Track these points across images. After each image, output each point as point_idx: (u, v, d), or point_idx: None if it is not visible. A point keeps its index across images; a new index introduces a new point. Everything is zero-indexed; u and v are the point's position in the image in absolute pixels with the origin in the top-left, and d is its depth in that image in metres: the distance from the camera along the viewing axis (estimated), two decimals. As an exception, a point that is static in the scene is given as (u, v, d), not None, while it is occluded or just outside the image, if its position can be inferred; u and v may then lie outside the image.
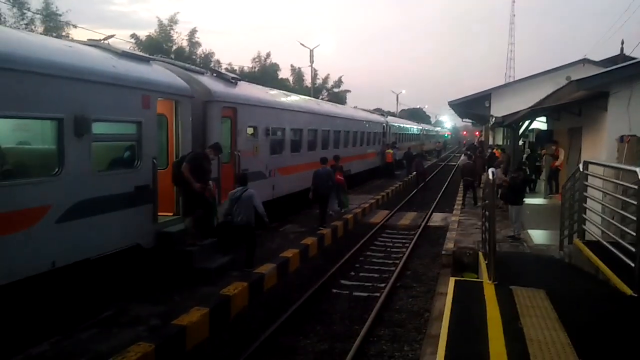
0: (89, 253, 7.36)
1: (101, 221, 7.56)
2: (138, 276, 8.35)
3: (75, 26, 33.35)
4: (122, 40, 38.50)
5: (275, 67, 51.73)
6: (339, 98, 55.52)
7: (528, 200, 14.76)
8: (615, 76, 10.13)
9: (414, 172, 26.96)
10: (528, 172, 16.18)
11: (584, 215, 7.83)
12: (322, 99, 45.81)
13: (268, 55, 51.57)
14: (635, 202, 5.69)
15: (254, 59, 51.48)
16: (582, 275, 7.08)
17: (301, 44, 39.76)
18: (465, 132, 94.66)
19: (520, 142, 21.89)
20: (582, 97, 11.03)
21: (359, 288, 9.87)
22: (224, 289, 8.43)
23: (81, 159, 7.17)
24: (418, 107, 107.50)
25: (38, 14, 32.99)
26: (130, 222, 8.23)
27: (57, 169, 6.86)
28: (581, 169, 7.85)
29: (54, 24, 33.56)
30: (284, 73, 54.34)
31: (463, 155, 25.76)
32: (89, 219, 7.30)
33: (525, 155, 19.58)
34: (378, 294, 9.34)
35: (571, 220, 8.48)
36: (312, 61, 40.40)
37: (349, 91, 62.81)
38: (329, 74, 59.51)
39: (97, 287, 7.51)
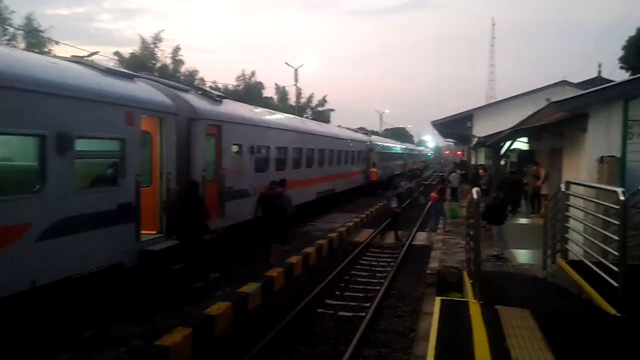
0: (69, 272, 7.20)
1: (83, 239, 7.41)
2: (120, 296, 8.18)
3: (57, 42, 33.12)
4: (105, 57, 38.37)
5: (259, 86, 51.86)
6: (323, 117, 55.76)
7: (511, 220, 14.91)
8: (594, 98, 10.35)
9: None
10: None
11: (566, 235, 7.92)
12: (306, 117, 45.98)
13: (252, 73, 51.77)
14: (617, 222, 5.78)
15: (238, 77, 51.59)
16: (566, 294, 7.13)
17: (286, 63, 40.11)
18: (447, 152, 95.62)
19: (502, 162, 22.20)
20: (562, 119, 11.24)
21: (344, 308, 9.81)
22: (208, 308, 8.31)
23: (63, 176, 7.05)
24: (401, 126, 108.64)
25: (20, 30, 32.74)
26: (113, 240, 8.09)
27: (38, 186, 6.74)
28: (563, 189, 7.96)
29: (36, 40, 33.31)
30: (269, 92, 54.53)
31: (453, 173, 26.65)
32: (70, 237, 7.15)
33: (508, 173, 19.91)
34: (363, 314, 9.28)
35: (554, 239, 8.56)
36: (296, 80, 40.74)
37: (333, 110, 63.12)
38: (313, 93, 59.83)
39: (77, 307, 7.34)
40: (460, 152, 59.41)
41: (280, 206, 12.35)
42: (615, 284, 5.58)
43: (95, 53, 11.13)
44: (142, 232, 8.89)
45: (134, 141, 8.62)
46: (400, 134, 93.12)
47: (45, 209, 6.78)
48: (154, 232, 9.46)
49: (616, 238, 5.83)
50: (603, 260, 6.24)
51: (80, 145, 7.40)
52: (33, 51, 27.20)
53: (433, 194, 17.50)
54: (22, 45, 32.70)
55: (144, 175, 9.22)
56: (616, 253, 5.76)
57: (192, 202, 9.61)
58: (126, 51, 41.36)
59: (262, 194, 12.50)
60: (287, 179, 15.60)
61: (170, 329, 7.31)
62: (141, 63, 37.74)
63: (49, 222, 6.81)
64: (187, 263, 9.32)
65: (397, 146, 49.63)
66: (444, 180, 22.20)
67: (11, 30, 32.31)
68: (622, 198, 5.59)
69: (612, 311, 5.49)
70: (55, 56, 9.81)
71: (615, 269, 5.66)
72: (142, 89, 9.40)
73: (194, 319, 7.85)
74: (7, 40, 31.91)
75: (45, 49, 32.57)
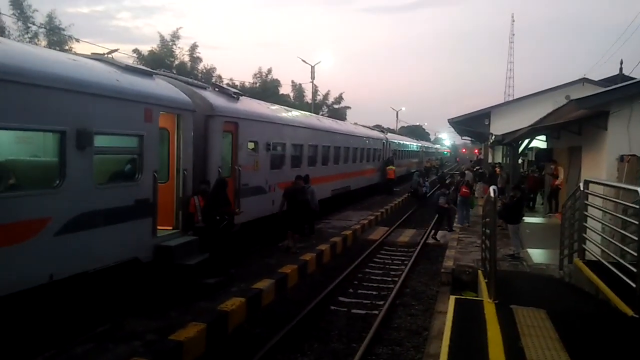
0: (87, 266, 7.32)
1: (100, 234, 7.53)
2: (135, 290, 8.29)
3: (78, 40, 33.69)
4: (125, 54, 38.81)
5: (276, 83, 51.97)
6: (339, 114, 55.69)
7: (528, 219, 14.76)
8: (615, 95, 10.18)
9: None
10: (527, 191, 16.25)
11: (584, 235, 7.81)
12: (322, 115, 45.97)
13: (269, 71, 51.87)
14: (636, 222, 5.69)
15: (255, 74, 51.76)
16: (583, 295, 7.04)
17: (303, 60, 39.86)
18: (464, 150, 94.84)
19: (520, 160, 21.96)
20: (582, 116, 11.08)
21: (357, 305, 9.81)
22: (222, 304, 8.38)
23: (82, 171, 7.16)
24: (418, 124, 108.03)
25: (42, 27, 33.26)
26: (129, 235, 8.20)
27: (58, 181, 6.86)
28: (582, 188, 7.85)
29: (57, 38, 33.82)
30: (285, 89, 54.63)
31: (467, 170, 26.16)
32: (88, 232, 7.27)
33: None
34: (377, 312, 9.28)
35: (571, 239, 8.45)
36: (313, 77, 40.58)
37: (349, 107, 63.02)
38: (329, 91, 59.80)
39: (94, 300, 7.46)
40: (477, 150, 58.89)
41: (303, 200, 13.27)
42: (633, 284, 5.50)
43: (115, 50, 11.26)
44: (159, 227, 9.00)
45: (152, 138, 8.71)
46: (416, 131, 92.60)
47: (64, 204, 6.89)
48: (170, 227, 9.58)
49: (635, 238, 5.73)
50: (621, 261, 6.16)
51: (100, 141, 7.51)
52: (54, 49, 27.65)
53: (464, 189, 17.57)
54: (44, 42, 33.23)
55: (161, 172, 9.33)
56: (635, 253, 5.67)
57: (220, 198, 9.85)
58: (145, 49, 41.70)
59: (286, 189, 13.24)
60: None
61: (185, 324, 7.39)
62: (160, 60, 38.12)
63: (67, 217, 6.92)
64: (211, 256, 9.53)
65: (413, 144, 49.39)
66: (462, 175, 22.01)
67: (33, 28, 32.87)
68: (641, 198, 5.50)
69: (630, 312, 5.41)
70: (76, 53, 9.94)
71: (634, 269, 5.57)
72: (161, 86, 9.50)
73: (208, 314, 7.93)
74: (30, 38, 32.47)
75: (66, 47, 33.06)
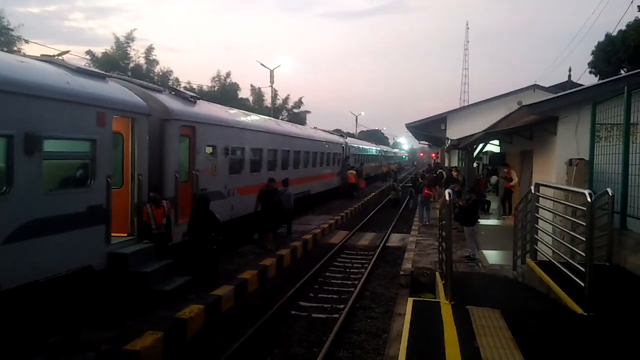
0: (37, 275, 7.03)
1: (51, 242, 7.25)
2: (89, 300, 8.02)
3: (27, 41, 32.35)
4: (77, 56, 37.60)
5: (235, 87, 51.40)
6: (299, 118, 55.68)
7: (483, 222, 15.14)
8: (563, 102, 10.58)
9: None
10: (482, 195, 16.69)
11: (535, 236, 8.07)
12: (282, 119, 45.85)
13: (228, 74, 51.24)
14: (584, 223, 5.92)
15: (213, 78, 51.03)
16: (535, 294, 7.26)
17: (261, 64, 39.71)
18: (422, 154, 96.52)
19: (475, 164, 22.50)
20: (533, 121, 11.46)
21: (318, 309, 9.80)
22: (180, 312, 8.21)
23: (31, 177, 6.90)
24: (377, 128, 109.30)
25: (-12, 27, 31.86)
26: (82, 243, 7.93)
27: (5, 188, 6.57)
28: (533, 191, 8.11)
29: (4, 39, 32.45)
30: (244, 93, 54.14)
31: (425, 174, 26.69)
32: (37, 240, 7.00)
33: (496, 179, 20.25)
34: (337, 315, 9.30)
35: (523, 240, 8.72)
36: (272, 81, 40.49)
37: (309, 112, 63.05)
38: (289, 95, 59.62)
39: (45, 311, 7.17)
40: (434, 154, 60.00)
41: (277, 201, 14.16)
42: (582, 283, 5.70)
43: (66, 52, 10.94)
44: (113, 234, 8.75)
45: (105, 142, 8.48)
46: (375, 135, 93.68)
47: (12, 212, 6.62)
48: (125, 234, 9.33)
49: (583, 239, 5.96)
50: (570, 261, 6.38)
51: (49, 145, 7.27)
52: (2, 50, 26.52)
53: (426, 191, 18.15)
54: (-10, 43, 31.82)
55: (116, 177, 9.09)
56: (583, 254, 5.89)
57: (209, 216, 10.17)
58: (99, 50, 40.32)
59: (261, 190, 14.01)
60: (261, 180, 15.56)
61: (141, 333, 7.20)
62: (114, 63, 37.03)
63: (16, 224, 6.65)
64: (201, 271, 9.92)
65: (373, 148, 49.91)
66: (422, 177, 22.38)
67: (-21, 28, 31.42)
68: (589, 200, 5.72)
69: (579, 310, 5.61)
70: (24, 55, 9.59)
71: (582, 269, 5.78)
72: (114, 89, 9.26)
73: (166, 322, 7.75)
74: (-26, 38, 31.03)
75: (15, 48, 31.74)
